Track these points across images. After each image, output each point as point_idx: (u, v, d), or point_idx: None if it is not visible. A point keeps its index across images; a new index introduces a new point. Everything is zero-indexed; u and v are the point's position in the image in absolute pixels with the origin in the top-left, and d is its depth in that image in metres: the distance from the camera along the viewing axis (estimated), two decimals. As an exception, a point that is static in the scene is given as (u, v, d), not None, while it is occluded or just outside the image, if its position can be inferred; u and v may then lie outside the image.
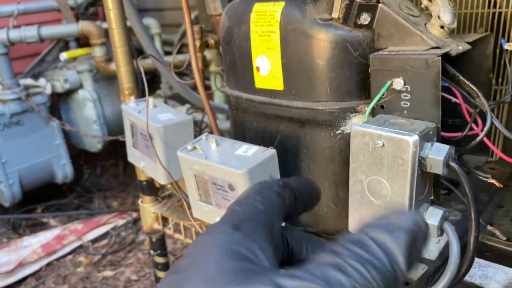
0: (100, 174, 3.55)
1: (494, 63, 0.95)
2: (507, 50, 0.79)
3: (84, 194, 3.29)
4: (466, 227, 0.92)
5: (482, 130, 0.66)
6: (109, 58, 2.50)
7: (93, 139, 2.80)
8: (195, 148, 0.79)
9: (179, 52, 2.80)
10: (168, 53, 2.90)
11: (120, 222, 2.87)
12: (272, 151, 0.73)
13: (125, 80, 1.04)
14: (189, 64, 0.92)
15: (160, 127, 0.90)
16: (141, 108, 0.98)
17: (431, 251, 0.83)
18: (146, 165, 1.00)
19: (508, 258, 0.81)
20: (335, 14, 0.71)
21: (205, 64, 0.94)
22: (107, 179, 3.53)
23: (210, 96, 2.27)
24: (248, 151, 0.75)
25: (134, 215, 2.92)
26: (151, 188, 1.14)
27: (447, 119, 0.77)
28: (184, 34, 2.81)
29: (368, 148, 0.64)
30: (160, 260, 1.23)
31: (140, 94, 1.12)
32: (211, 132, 0.96)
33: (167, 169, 0.91)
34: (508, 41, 1.00)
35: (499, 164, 1.13)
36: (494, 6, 1.01)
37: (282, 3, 0.75)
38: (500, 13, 1.00)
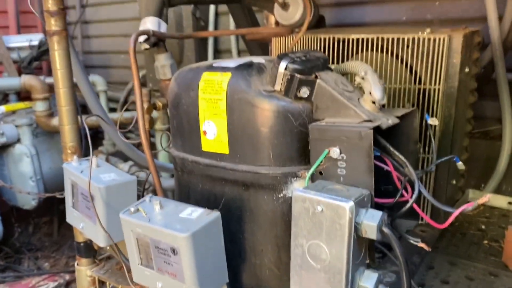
0: (32, 232, 3.32)
1: (421, 134, 1.05)
2: (431, 124, 0.88)
3: (12, 254, 3.05)
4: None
5: (411, 197, 0.71)
6: (51, 113, 2.44)
7: (28, 196, 2.65)
8: (138, 210, 0.78)
9: (125, 110, 2.79)
10: (113, 110, 2.88)
11: (51, 285, 2.67)
12: (216, 214, 0.74)
13: (68, 138, 1.03)
14: (136, 123, 0.93)
15: (102, 187, 0.88)
16: (83, 167, 0.96)
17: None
18: (85, 226, 0.97)
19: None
20: (277, 87, 0.77)
21: (152, 125, 0.96)
22: (39, 238, 3.30)
23: (155, 155, 2.26)
24: (193, 214, 0.75)
25: (67, 277, 2.73)
26: (89, 250, 1.09)
27: (380, 186, 0.83)
28: (130, 92, 2.82)
29: (308, 213, 0.68)
30: (94, 328, 1.16)
31: (83, 152, 1.11)
32: (155, 193, 0.96)
33: (108, 231, 0.89)
34: (432, 115, 1.11)
35: (429, 227, 1.20)
36: (420, 83, 1.12)
37: (229, 74, 0.80)
38: (425, 90, 1.12)
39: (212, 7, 2.37)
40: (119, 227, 0.79)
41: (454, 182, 1.25)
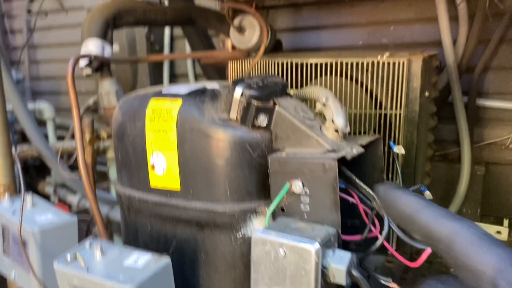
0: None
1: (384, 161, 1.01)
2: (397, 154, 0.83)
3: None
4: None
5: (380, 233, 0.66)
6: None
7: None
8: (75, 258, 0.68)
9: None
10: (61, 138, 2.72)
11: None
12: (166, 261, 0.65)
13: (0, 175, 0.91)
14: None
15: (36, 231, 0.78)
16: (16, 207, 0.85)
17: None
18: (18, 274, 0.85)
19: None
20: (233, 115, 0.70)
21: (95, 159, 0.86)
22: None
23: (108, 187, 2.12)
24: (139, 260, 0.66)
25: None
26: (25, 301, 0.96)
27: (346, 220, 0.77)
28: (81, 119, 2.67)
29: (270, 258, 0.60)
30: None
31: (18, 188, 0.99)
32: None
33: (43, 281, 0.78)
34: (394, 141, 1.08)
35: (396, 258, 1.15)
36: (380, 108, 1.09)
37: (180, 101, 0.72)
38: (385, 114, 1.08)
39: (167, 31, 2.30)
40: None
41: (418, 208, 1.22)
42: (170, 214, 0.75)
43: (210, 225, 0.72)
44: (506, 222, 1.48)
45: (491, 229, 1.36)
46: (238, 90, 0.69)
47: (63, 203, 2.30)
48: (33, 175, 2.44)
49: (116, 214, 1.67)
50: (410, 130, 1.10)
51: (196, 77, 2.33)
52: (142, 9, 0.96)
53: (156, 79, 2.31)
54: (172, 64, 2.35)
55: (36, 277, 0.77)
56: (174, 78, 2.43)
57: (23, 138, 1.98)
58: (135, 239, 0.81)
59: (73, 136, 2.61)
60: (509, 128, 1.62)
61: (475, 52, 1.55)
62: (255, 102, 0.69)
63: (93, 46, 0.85)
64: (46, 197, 2.27)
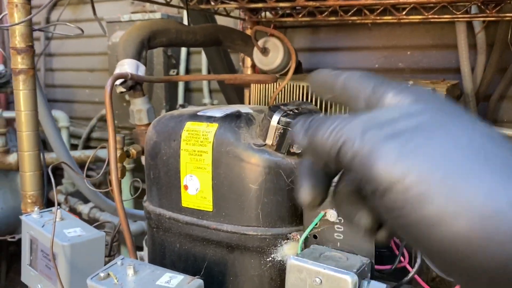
0: (-24, 277, 3.04)
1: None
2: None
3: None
4: None
5: (413, 266, 0.66)
6: (7, 150, 2.28)
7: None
8: (108, 275, 0.69)
9: (87, 147, 2.66)
10: (74, 146, 2.74)
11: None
12: (199, 282, 0.66)
13: (28, 187, 0.93)
14: (107, 173, 0.85)
15: (66, 245, 0.78)
16: (45, 220, 0.86)
17: None
18: (44, 287, 0.86)
19: None
20: (269, 141, 0.71)
21: (124, 174, 0.88)
22: (-17, 283, 3.03)
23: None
24: (172, 281, 0.67)
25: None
26: (45, 313, 0.97)
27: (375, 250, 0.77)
28: (92, 128, 2.70)
29: (305, 285, 0.61)
30: None
31: (45, 201, 1.00)
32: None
33: (70, 296, 0.78)
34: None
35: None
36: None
37: (216, 125, 0.74)
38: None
39: (184, 45, 2.33)
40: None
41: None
42: (201, 235, 0.76)
43: (240, 248, 0.73)
44: None
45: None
46: (275, 117, 0.71)
47: (73, 212, 2.31)
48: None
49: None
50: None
51: (211, 92, 2.36)
52: (175, 29, 0.98)
53: (171, 91, 2.34)
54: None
55: (65, 291, 0.78)
56: (188, 91, 2.45)
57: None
58: (162, 257, 0.82)
59: (85, 147, 2.62)
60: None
61: (492, 81, 1.57)
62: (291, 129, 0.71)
63: (128, 66, 0.87)
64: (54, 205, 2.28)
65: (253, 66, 1.51)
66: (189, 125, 0.76)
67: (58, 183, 2.58)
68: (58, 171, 2.67)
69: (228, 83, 1.04)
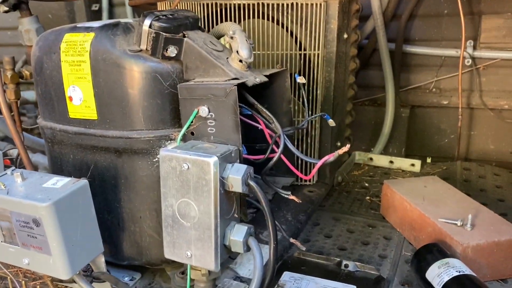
0: None
1: (305, 94, 1.08)
2: (304, 84, 0.91)
3: None
4: (285, 245, 0.99)
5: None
6: None
7: None
8: (-3, 183, 0.72)
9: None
10: None
11: None
12: (83, 182, 0.71)
13: None
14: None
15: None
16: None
17: (250, 270, 0.88)
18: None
19: (320, 270, 0.90)
20: (143, 46, 0.74)
21: (18, 97, 0.88)
22: None
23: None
24: (58, 183, 0.71)
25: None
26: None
27: (255, 144, 0.84)
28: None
29: (176, 172, 0.67)
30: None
31: None
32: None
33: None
34: (313, 80, 1.15)
35: (316, 187, 1.26)
36: (301, 49, 1.16)
37: (92, 34, 0.75)
38: (305, 55, 1.15)
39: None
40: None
41: (339, 144, 1.32)
42: (90, 143, 0.79)
43: (127, 152, 0.78)
44: (429, 160, 1.62)
45: (406, 162, 1.49)
46: (147, 22, 0.73)
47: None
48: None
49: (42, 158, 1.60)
50: (328, 70, 1.18)
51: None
52: None
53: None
54: (111, 13, 2.30)
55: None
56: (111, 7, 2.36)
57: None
58: (60, 170, 0.86)
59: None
60: (433, 73, 1.74)
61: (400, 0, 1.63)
62: (164, 33, 0.73)
63: (8, -17, 0.85)
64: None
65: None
66: (68, 36, 0.77)
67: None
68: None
69: (136, 6, 1.04)
